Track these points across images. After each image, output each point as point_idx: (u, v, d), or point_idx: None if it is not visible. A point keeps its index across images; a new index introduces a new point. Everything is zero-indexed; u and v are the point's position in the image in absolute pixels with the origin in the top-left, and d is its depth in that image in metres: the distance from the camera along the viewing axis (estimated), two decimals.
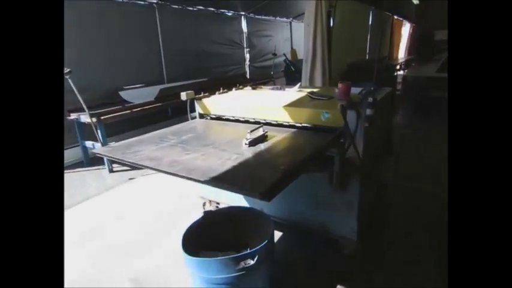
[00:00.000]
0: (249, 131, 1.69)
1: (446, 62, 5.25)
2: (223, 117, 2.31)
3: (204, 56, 6.14)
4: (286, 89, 2.56)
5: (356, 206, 1.89)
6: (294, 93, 2.45)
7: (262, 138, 1.75)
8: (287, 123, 2.02)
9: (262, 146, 1.66)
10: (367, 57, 7.74)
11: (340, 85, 2.07)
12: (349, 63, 5.75)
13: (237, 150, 1.62)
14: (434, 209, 2.59)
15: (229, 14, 6.88)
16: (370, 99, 1.62)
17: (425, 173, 3.29)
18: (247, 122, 2.18)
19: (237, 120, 2.24)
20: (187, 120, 2.39)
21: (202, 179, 1.25)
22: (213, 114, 2.36)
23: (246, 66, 7.41)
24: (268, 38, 8.05)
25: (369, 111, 1.64)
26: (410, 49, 12.72)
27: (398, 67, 8.85)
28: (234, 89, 2.76)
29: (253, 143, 1.68)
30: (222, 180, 1.22)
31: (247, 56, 7.40)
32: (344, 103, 1.66)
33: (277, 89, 2.61)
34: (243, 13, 7.14)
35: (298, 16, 8.61)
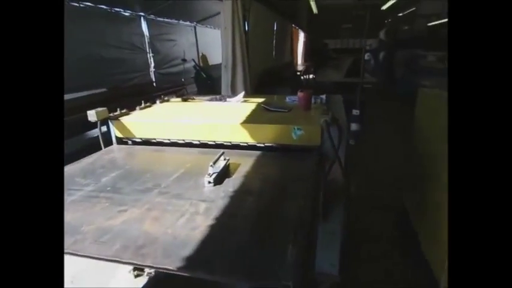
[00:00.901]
0: (211, 163, 1.20)
1: (350, 68, 5.63)
2: (154, 141, 1.73)
3: (98, 62, 5.11)
4: (228, 99, 2.12)
5: (338, 236, 1.59)
6: (240, 104, 2.03)
7: (226, 170, 1.28)
8: (245, 144, 1.58)
9: (232, 183, 1.19)
10: (274, 64, 7.86)
11: (300, 94, 1.76)
12: (264, 68, 5.64)
13: (199, 193, 1.12)
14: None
15: (126, 14, 5.97)
16: (356, 112, 1.34)
17: (380, 180, 3.15)
18: (190, 145, 1.66)
19: (174, 144, 1.69)
20: (81, 143, 1.71)
21: (172, 267, 0.72)
22: (138, 138, 1.74)
23: (151, 73, 6.58)
24: (173, 43, 7.36)
25: (354, 126, 1.35)
26: (305, 56, 13.75)
27: (300, 73, 9.34)
28: (158, 101, 2.17)
29: (218, 179, 1.19)
30: (214, 267, 0.71)
31: (151, 62, 6.58)
32: (328, 118, 1.34)
33: (216, 99, 2.14)
34: (142, 14, 6.31)
35: (203, 20, 8.20)
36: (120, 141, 1.77)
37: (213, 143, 1.63)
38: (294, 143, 1.50)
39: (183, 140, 1.67)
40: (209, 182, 1.16)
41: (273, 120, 1.58)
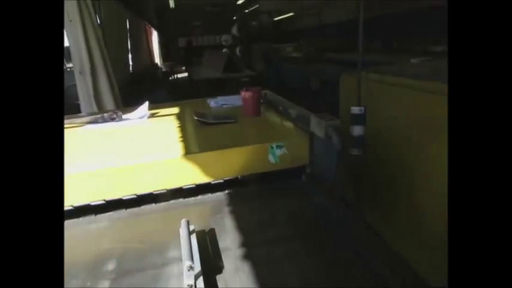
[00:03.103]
0: (187, 268, 0.55)
1: (227, 64, 5.32)
2: None
3: None
4: (124, 116, 1.36)
5: None
6: (151, 122, 1.32)
7: (208, 263, 0.66)
8: (192, 186, 0.96)
9: None
10: (136, 66, 6.83)
11: (246, 94, 1.25)
12: (134, 71, 4.72)
13: None
14: None
15: None
16: (360, 110, 0.93)
17: None
18: (85, 211, 0.90)
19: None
20: None
21: None
22: None
23: None
24: None
25: (358, 130, 0.95)
26: (165, 56, 12.92)
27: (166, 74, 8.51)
28: None
29: None
30: None
31: None
32: (334, 123, 0.89)
33: (102, 120, 1.33)
34: None
35: None
36: None
37: (133, 198, 0.92)
38: (270, 168, 0.98)
39: (72, 206, 0.89)
40: None
41: (232, 139, 1.02)
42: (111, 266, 0.68)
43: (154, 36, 12.10)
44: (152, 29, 11.22)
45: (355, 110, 0.95)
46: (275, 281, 0.61)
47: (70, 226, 0.85)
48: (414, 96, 1.10)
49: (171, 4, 9.16)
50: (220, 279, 0.62)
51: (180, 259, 0.65)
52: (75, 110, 3.12)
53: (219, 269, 0.64)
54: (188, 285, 0.54)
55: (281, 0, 9.85)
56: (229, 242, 0.72)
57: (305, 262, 0.65)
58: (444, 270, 0.48)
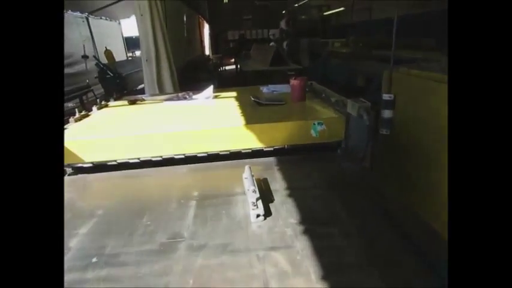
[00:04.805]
0: (250, 187, 0.83)
1: (275, 56, 5.53)
2: (114, 164, 1.21)
3: None
4: (194, 96, 1.68)
5: None
6: (216, 102, 1.63)
7: (263, 192, 0.92)
8: (249, 151, 1.23)
9: (284, 210, 0.85)
10: (191, 56, 7.33)
11: (294, 82, 1.48)
12: (188, 61, 5.15)
13: (256, 237, 0.75)
14: None
15: None
16: (390, 96, 1.13)
17: None
18: (170, 162, 1.21)
19: (146, 164, 1.22)
20: None
21: None
22: (89, 163, 1.20)
23: None
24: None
25: (387, 114, 1.15)
26: (215, 48, 13.42)
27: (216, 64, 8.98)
28: (94, 107, 1.60)
29: (265, 208, 0.83)
30: None
31: None
32: (365, 105, 1.10)
33: (177, 98, 1.67)
34: None
35: (97, 10, 7.03)
36: None
37: (205, 155, 1.22)
38: (311, 141, 1.23)
39: (161, 157, 1.21)
40: (258, 216, 0.80)
41: (282, 116, 1.27)
42: (195, 193, 0.97)
43: (206, 29, 12.67)
44: (204, 22, 11.77)
45: (386, 96, 1.16)
46: (307, 208, 0.86)
47: (166, 170, 1.17)
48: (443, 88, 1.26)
49: None
50: (272, 206, 0.88)
51: (242, 193, 0.93)
52: (140, 93, 3.59)
53: (271, 200, 0.90)
54: (252, 202, 0.81)
55: None
56: (278, 186, 0.98)
57: (329, 199, 0.90)
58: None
